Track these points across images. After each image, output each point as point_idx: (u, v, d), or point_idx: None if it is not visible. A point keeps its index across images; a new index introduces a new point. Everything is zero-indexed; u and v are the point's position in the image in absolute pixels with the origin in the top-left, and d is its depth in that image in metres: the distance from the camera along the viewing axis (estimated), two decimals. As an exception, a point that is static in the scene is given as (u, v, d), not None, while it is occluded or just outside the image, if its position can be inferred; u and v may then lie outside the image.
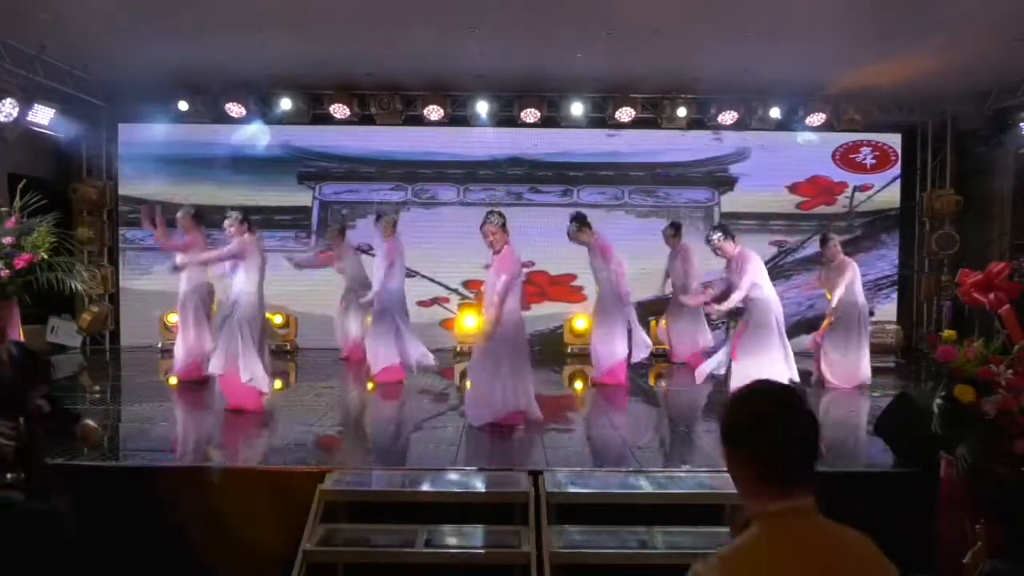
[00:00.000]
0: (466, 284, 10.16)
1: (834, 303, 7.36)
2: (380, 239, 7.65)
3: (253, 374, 6.04)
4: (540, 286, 10.01)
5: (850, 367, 7.44)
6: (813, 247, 9.60)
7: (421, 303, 9.89)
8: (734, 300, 6.35)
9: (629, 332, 7.31)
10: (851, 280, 7.36)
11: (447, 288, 10.19)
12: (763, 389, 1.73)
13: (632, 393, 7.44)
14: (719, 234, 6.54)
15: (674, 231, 8.76)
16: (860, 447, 5.50)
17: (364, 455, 5.26)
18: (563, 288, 10.07)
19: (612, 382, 7.40)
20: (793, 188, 10.38)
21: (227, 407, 6.19)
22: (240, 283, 6.13)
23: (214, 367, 6.21)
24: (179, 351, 7.36)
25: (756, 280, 6.36)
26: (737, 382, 6.42)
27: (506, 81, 9.25)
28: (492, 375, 5.61)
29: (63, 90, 8.56)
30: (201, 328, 7.34)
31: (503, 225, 5.67)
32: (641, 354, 7.42)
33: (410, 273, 9.74)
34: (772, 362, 6.25)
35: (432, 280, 10.03)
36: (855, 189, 10.41)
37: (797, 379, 6.37)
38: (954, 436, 3.81)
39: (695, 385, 6.94)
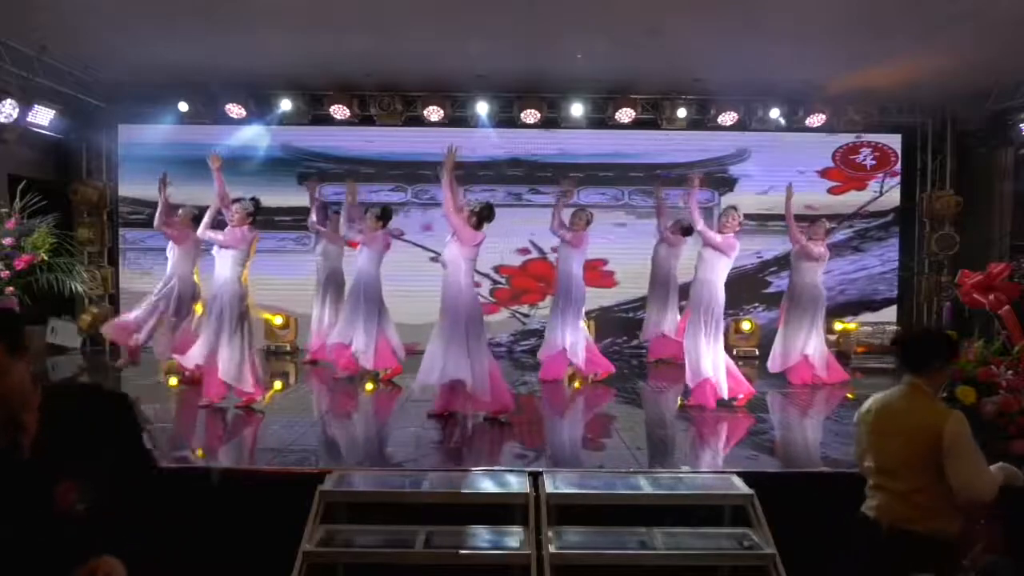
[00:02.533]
0: (498, 269, 10.22)
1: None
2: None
3: (234, 371, 6.08)
4: None
5: (795, 347, 7.52)
6: (847, 231, 10.20)
7: None
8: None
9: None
10: (819, 265, 7.56)
11: (478, 273, 10.15)
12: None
13: (633, 393, 7.44)
14: (740, 215, 6.57)
15: (684, 231, 8.74)
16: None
17: (364, 455, 5.25)
18: (596, 273, 9.97)
19: (548, 377, 7.55)
20: (824, 172, 10.38)
21: (203, 402, 6.21)
22: (223, 273, 6.15)
23: (195, 357, 6.22)
24: (159, 348, 7.40)
25: (718, 268, 6.42)
26: (690, 359, 6.46)
27: (506, 82, 9.25)
28: (447, 342, 5.73)
29: (63, 90, 8.55)
30: (174, 330, 7.34)
31: (474, 210, 5.85)
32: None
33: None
34: (708, 352, 6.38)
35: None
36: (886, 175, 10.43)
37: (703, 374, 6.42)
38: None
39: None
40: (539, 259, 10.12)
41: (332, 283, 8.46)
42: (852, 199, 10.36)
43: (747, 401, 6.52)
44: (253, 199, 6.39)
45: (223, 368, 6.09)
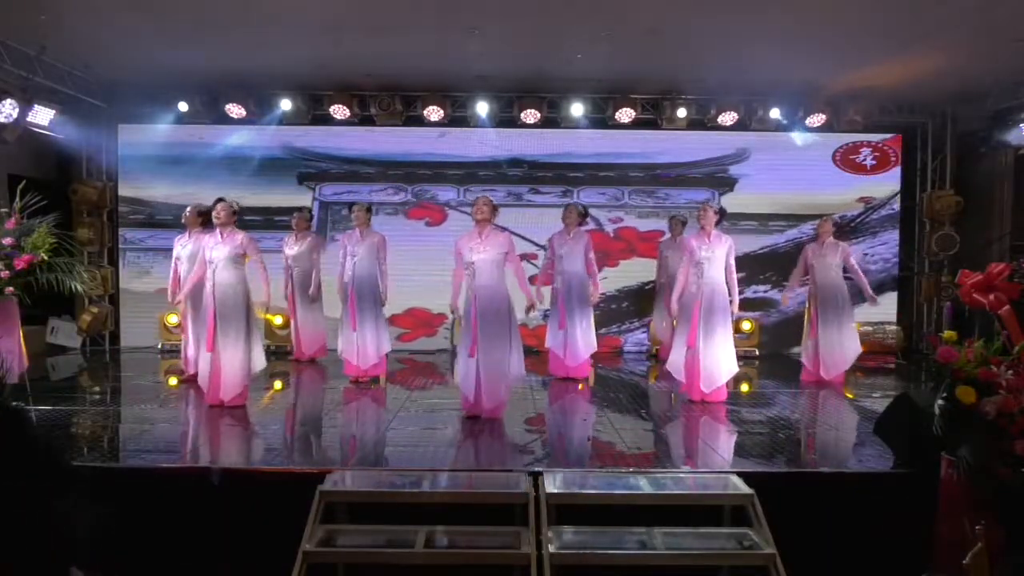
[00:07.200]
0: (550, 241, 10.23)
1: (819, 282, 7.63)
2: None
3: (244, 370, 6.16)
4: (629, 241, 10.04)
5: (841, 351, 7.58)
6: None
7: None
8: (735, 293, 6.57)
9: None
10: (840, 262, 7.61)
11: (535, 244, 10.13)
12: None
13: (632, 392, 7.44)
14: (714, 207, 6.61)
15: (682, 226, 8.92)
16: (859, 447, 5.50)
17: (364, 455, 5.25)
18: (652, 244, 9.94)
19: (583, 375, 7.71)
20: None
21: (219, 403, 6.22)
22: (232, 275, 6.17)
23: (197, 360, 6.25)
24: (189, 351, 7.37)
25: (710, 265, 6.47)
26: (709, 365, 6.42)
27: (506, 82, 9.25)
28: (504, 352, 5.77)
29: (63, 91, 8.55)
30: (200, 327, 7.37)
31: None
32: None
33: None
34: (730, 347, 6.46)
35: (518, 236, 9.92)
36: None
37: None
38: (955, 437, 3.80)
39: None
40: (595, 230, 9.90)
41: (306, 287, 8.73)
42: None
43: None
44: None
45: (234, 368, 6.13)
